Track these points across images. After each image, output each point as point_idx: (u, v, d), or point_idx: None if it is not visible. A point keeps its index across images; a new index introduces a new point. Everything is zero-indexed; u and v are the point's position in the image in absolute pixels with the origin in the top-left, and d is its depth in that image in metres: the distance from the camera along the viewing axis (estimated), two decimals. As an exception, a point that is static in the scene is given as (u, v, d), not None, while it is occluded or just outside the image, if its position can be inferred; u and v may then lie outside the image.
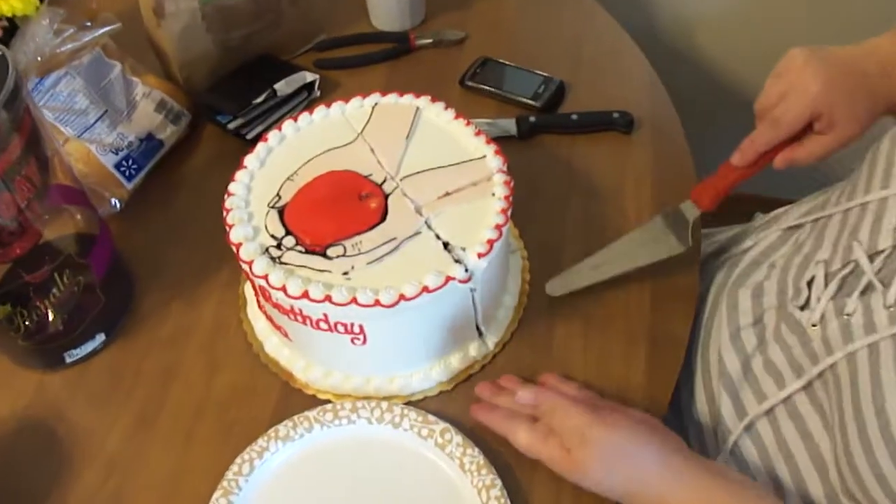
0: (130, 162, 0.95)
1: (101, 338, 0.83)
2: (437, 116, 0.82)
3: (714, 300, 0.81)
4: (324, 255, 0.71)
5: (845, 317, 0.64)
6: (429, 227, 0.73)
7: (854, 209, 0.69)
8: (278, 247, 0.72)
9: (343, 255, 0.71)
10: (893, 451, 0.56)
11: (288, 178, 0.78)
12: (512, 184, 0.76)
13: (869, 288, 0.63)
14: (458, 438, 0.71)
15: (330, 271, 0.70)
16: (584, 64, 1.08)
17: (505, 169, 0.77)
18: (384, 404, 0.74)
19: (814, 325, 0.67)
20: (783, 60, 0.75)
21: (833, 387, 0.63)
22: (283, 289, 0.69)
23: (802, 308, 0.70)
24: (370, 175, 0.77)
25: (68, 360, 0.82)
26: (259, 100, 1.01)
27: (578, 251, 0.85)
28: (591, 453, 0.64)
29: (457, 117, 0.81)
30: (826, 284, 0.67)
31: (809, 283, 0.70)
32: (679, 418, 0.80)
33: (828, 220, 0.73)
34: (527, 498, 0.70)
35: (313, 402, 0.77)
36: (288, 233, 0.73)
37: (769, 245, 0.82)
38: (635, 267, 0.81)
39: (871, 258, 0.64)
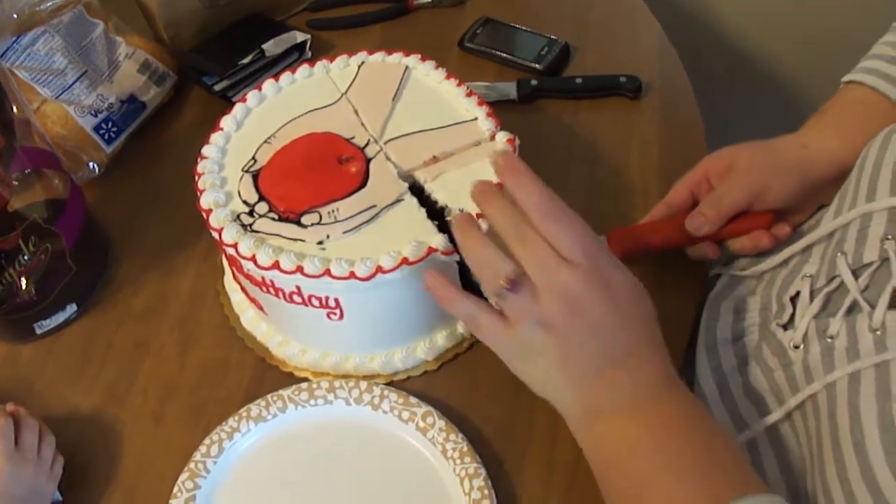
0: (110, 124, 0.92)
1: (72, 308, 0.79)
2: (426, 76, 0.77)
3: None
4: (298, 222, 0.66)
5: (828, 339, 0.57)
6: (423, 191, 0.68)
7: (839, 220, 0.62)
8: (250, 213, 0.68)
9: (318, 224, 0.66)
10: (874, 490, 0.48)
11: (265, 141, 0.73)
12: (517, 142, 0.70)
13: (854, 307, 0.56)
14: (441, 423, 0.66)
15: (304, 240, 0.65)
16: (591, 26, 1.03)
17: (495, 130, 0.71)
18: (363, 384, 0.69)
19: (796, 347, 0.61)
20: None
21: (812, 418, 0.57)
22: (253, 259, 0.64)
23: (786, 327, 0.63)
24: (352, 138, 0.72)
25: (39, 331, 0.79)
26: (246, 60, 0.96)
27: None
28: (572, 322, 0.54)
29: (448, 77, 0.76)
30: (811, 301, 0.61)
31: (794, 300, 0.63)
32: None
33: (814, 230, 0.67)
34: (514, 489, 0.65)
35: (290, 379, 0.73)
36: (261, 198, 0.68)
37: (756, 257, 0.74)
38: None
39: (857, 273, 0.57)
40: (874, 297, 0.54)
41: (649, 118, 0.91)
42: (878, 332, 0.53)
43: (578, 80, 0.92)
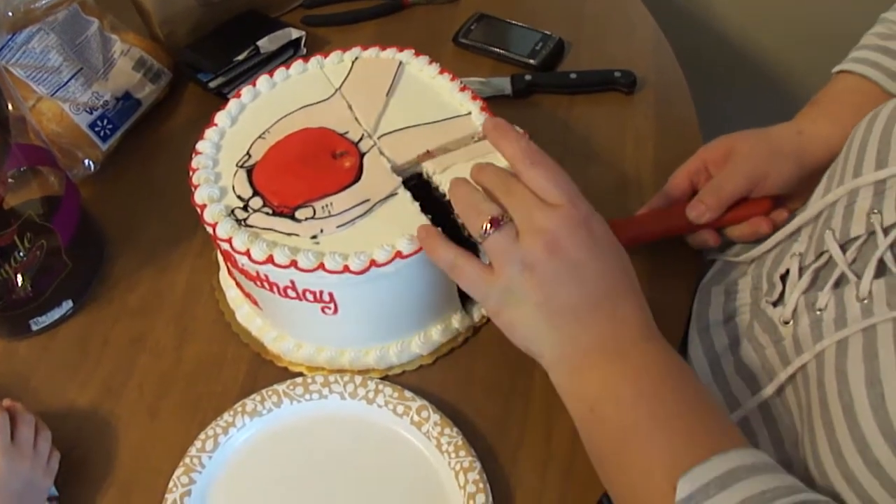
0: (105, 122, 0.92)
1: (68, 304, 0.79)
2: (420, 71, 0.77)
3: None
4: (292, 217, 0.67)
5: (817, 312, 0.58)
6: (430, 182, 0.69)
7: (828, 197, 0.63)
8: (245, 208, 0.68)
9: (312, 218, 0.66)
10: (862, 447, 0.49)
11: (259, 137, 0.73)
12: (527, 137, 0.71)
13: (842, 280, 0.57)
14: (436, 417, 0.66)
15: (298, 235, 0.65)
16: (585, 21, 1.03)
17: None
18: (358, 379, 0.69)
19: (786, 323, 0.61)
20: None
21: (803, 390, 0.58)
22: (248, 253, 0.64)
23: (776, 304, 0.64)
24: (346, 133, 0.72)
25: (34, 327, 0.79)
26: (241, 57, 0.96)
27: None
28: (554, 266, 0.56)
29: (442, 72, 0.76)
30: (800, 277, 0.61)
31: (784, 278, 0.64)
32: None
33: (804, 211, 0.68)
34: (509, 483, 0.65)
35: (285, 374, 0.73)
36: (256, 193, 0.68)
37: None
38: None
39: (845, 247, 0.58)
40: (861, 269, 0.55)
41: (644, 113, 0.91)
42: (866, 301, 0.54)
43: (573, 76, 0.93)
